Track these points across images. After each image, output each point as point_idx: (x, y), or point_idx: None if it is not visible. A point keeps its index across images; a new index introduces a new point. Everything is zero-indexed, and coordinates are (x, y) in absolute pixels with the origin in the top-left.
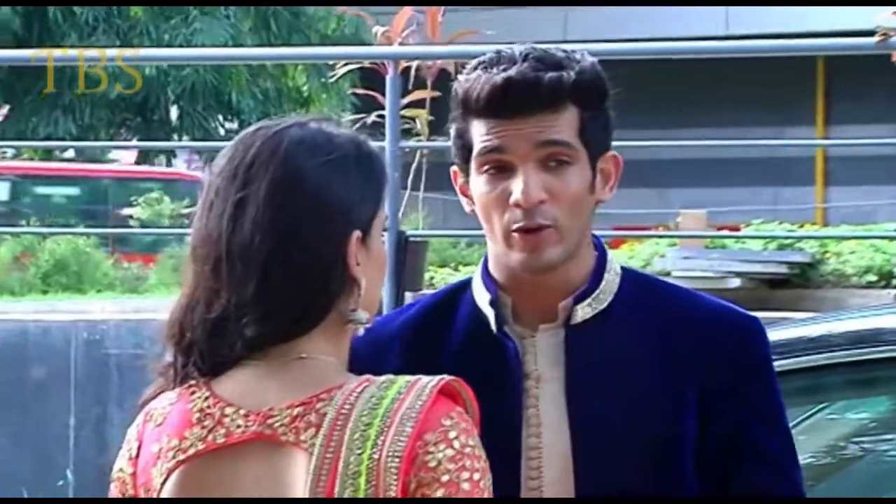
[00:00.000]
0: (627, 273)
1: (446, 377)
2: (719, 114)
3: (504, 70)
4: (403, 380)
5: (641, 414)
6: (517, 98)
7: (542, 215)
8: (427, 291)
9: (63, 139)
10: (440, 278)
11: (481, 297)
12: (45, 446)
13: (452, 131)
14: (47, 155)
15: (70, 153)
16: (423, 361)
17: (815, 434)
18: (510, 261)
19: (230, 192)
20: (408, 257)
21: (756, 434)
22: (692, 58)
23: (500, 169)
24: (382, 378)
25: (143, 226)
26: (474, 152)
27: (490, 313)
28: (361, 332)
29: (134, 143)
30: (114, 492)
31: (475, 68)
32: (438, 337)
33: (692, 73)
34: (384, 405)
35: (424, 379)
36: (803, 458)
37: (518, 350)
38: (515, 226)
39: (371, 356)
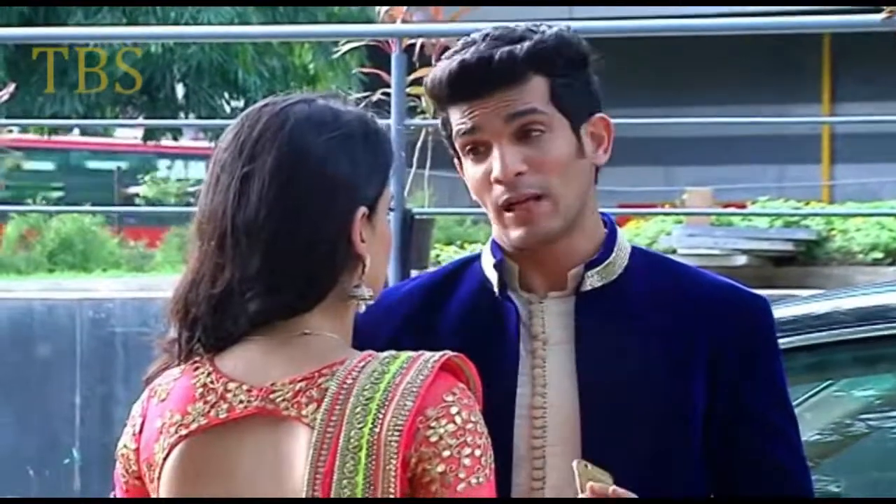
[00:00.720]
0: (636, 250)
1: (449, 353)
2: (725, 91)
3: (462, 54)
4: (406, 355)
5: (649, 380)
6: (472, 79)
7: (526, 185)
8: (432, 269)
9: (69, 118)
10: (446, 256)
11: (487, 262)
12: (50, 425)
13: (440, 121)
14: (53, 133)
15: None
16: (423, 327)
17: (821, 411)
18: (509, 238)
19: (236, 166)
20: (413, 235)
21: (761, 406)
22: (698, 35)
23: (480, 149)
24: (385, 353)
25: (149, 204)
26: (454, 137)
27: (493, 276)
28: (363, 308)
29: (140, 120)
30: (118, 468)
31: (444, 57)
32: (440, 305)
33: (698, 51)
34: (386, 380)
35: (427, 354)
36: (810, 436)
37: (519, 312)
38: (502, 200)
39: (370, 324)
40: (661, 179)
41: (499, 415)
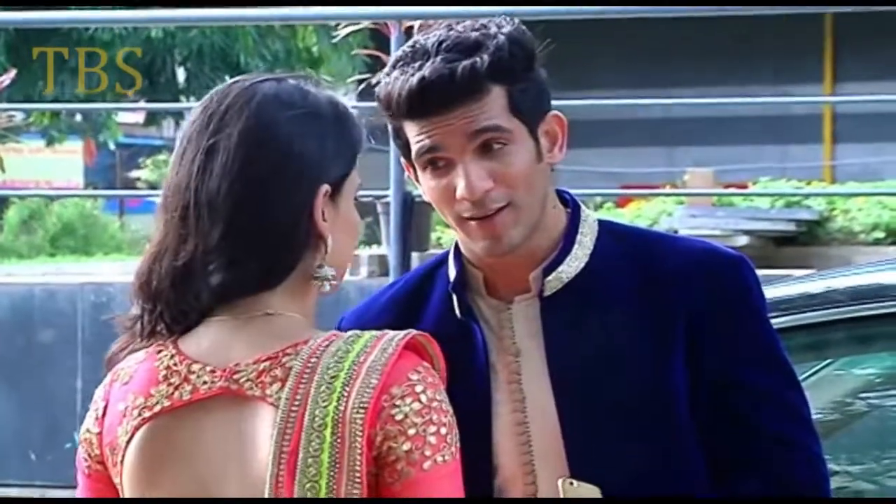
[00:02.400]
0: (604, 225)
1: (413, 332)
2: (726, 71)
3: (419, 68)
4: (370, 334)
5: (626, 374)
6: (434, 97)
7: (492, 200)
8: (434, 251)
9: (70, 102)
10: (447, 238)
11: (451, 276)
12: (52, 409)
13: (390, 129)
14: (54, 118)
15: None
16: None
17: (820, 390)
18: (474, 248)
19: (202, 139)
20: (414, 218)
21: (744, 369)
22: (698, 15)
23: (440, 164)
24: (349, 333)
25: (151, 188)
26: (412, 153)
27: (454, 298)
28: (328, 288)
29: (141, 104)
30: (81, 453)
31: (393, 67)
32: (414, 318)
33: (700, 31)
34: (350, 358)
35: (391, 333)
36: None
37: (481, 330)
38: (467, 214)
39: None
40: (662, 160)
41: (479, 436)
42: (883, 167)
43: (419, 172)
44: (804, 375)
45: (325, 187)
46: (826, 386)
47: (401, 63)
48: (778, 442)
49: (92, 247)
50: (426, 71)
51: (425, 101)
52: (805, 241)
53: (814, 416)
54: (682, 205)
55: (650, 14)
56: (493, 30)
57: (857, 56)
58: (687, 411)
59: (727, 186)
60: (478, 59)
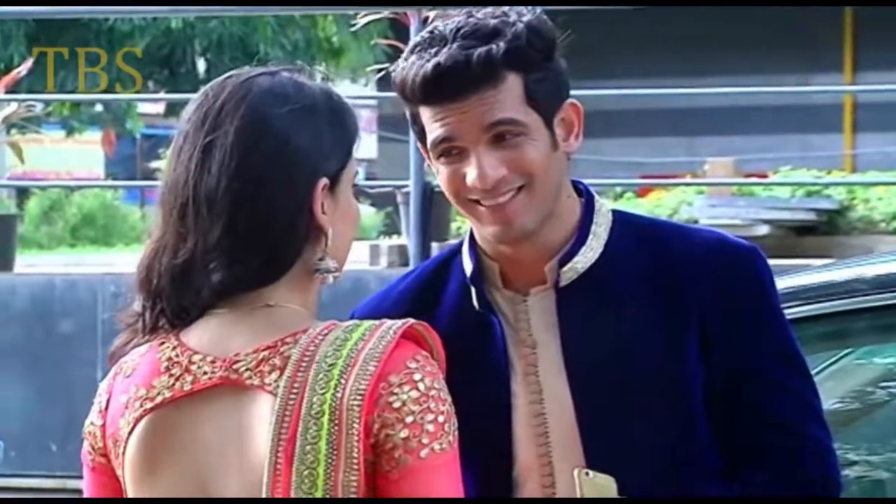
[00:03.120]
0: (618, 216)
1: (411, 320)
2: (747, 61)
3: (435, 54)
4: (368, 323)
5: (641, 365)
6: (449, 83)
7: (507, 184)
8: (453, 241)
9: (91, 92)
10: (467, 228)
11: (467, 268)
12: (72, 400)
13: (408, 115)
14: (74, 109)
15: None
16: None
17: (840, 380)
18: (486, 234)
19: (198, 137)
20: (434, 208)
21: (756, 360)
22: (720, 4)
23: (454, 152)
24: (348, 322)
25: None
26: (427, 141)
27: (473, 290)
28: (331, 280)
29: (161, 95)
30: (85, 447)
31: (411, 52)
32: (430, 310)
33: (720, 20)
34: (348, 346)
35: (389, 322)
36: (830, 404)
37: (500, 322)
38: (478, 198)
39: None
40: (682, 150)
41: (498, 428)
42: None
43: (433, 162)
44: (825, 364)
45: (324, 180)
46: (847, 375)
47: (418, 48)
48: (788, 432)
49: (112, 237)
50: (442, 57)
51: (440, 87)
52: (825, 230)
53: (834, 406)
54: (703, 194)
55: (670, 5)
56: (513, 17)
57: (877, 45)
58: (702, 401)
59: (748, 176)
60: (494, 45)
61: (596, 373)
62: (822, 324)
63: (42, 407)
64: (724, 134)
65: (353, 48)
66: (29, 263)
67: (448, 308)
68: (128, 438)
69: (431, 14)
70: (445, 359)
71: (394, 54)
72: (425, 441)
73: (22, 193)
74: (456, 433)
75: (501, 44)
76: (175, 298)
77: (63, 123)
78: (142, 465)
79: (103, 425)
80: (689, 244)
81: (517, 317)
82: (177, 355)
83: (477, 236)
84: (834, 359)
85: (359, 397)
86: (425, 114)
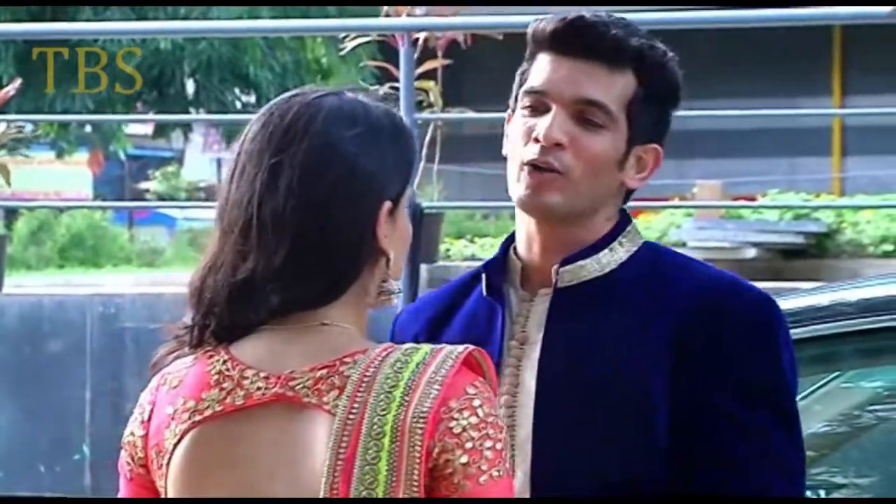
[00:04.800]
0: (648, 245)
1: (470, 347)
2: (735, 84)
3: (582, 15)
4: (429, 347)
5: (609, 383)
6: (579, 36)
7: (556, 157)
8: (442, 263)
9: (79, 113)
10: (456, 250)
11: (489, 258)
12: (61, 421)
13: (517, 75)
14: (63, 130)
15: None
16: (436, 333)
17: (827, 403)
18: (515, 194)
19: (264, 157)
20: (423, 229)
21: (729, 402)
22: (708, 28)
23: (538, 110)
24: (406, 345)
25: (159, 199)
26: (523, 88)
27: (483, 276)
28: (395, 301)
29: (150, 116)
30: (122, 457)
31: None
32: (459, 304)
33: (708, 44)
34: (410, 368)
35: (449, 347)
36: (818, 427)
37: (504, 313)
38: (528, 158)
39: (406, 324)
40: (671, 172)
41: None
42: (892, 180)
43: (515, 114)
44: (812, 388)
45: (388, 204)
46: (834, 399)
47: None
48: (735, 468)
49: (101, 258)
50: (588, 17)
51: (569, 35)
52: (814, 253)
53: (822, 429)
54: (691, 217)
55: (657, 27)
56: (662, 45)
57: (865, 69)
58: (665, 434)
59: (736, 199)
60: (635, 38)
61: (563, 379)
62: (809, 347)
63: (30, 427)
64: (713, 157)
65: (342, 70)
66: (17, 284)
67: (472, 302)
68: (173, 450)
69: (421, 35)
70: (455, 341)
71: (382, 76)
72: (484, 467)
73: (10, 214)
74: (509, 459)
75: (641, 41)
76: (229, 315)
77: (52, 144)
78: (188, 478)
79: (145, 436)
80: (699, 280)
81: (521, 313)
82: (227, 369)
83: (516, 231)
84: (821, 382)
85: (422, 420)
86: (540, 62)
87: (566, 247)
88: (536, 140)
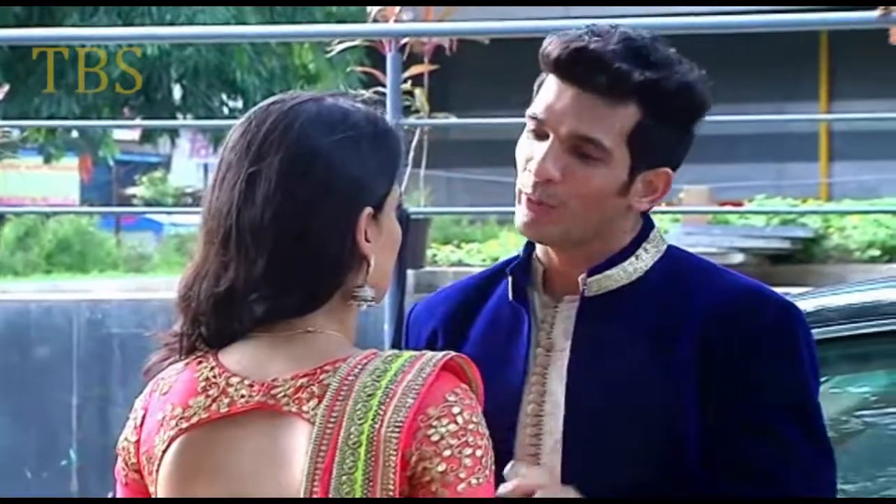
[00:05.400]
0: (672, 250)
1: (451, 353)
2: (722, 89)
3: (592, 40)
4: (409, 354)
5: (639, 394)
6: (581, 64)
7: (548, 194)
8: (429, 269)
9: (66, 119)
10: (443, 256)
11: (512, 263)
12: (47, 426)
13: (535, 87)
14: (50, 135)
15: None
16: (456, 331)
17: None
18: (516, 221)
19: (242, 166)
20: (409, 235)
21: (754, 407)
22: (694, 33)
23: (540, 135)
24: (388, 352)
25: (146, 205)
26: (528, 109)
27: (509, 280)
28: (365, 307)
29: (137, 122)
30: (119, 463)
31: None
32: (475, 308)
33: (693, 49)
34: (388, 377)
35: (429, 354)
36: None
37: (537, 315)
38: (523, 188)
39: (422, 320)
40: None
41: (503, 422)
42: (878, 185)
43: (524, 131)
44: None
45: (368, 210)
46: (821, 404)
47: (586, 30)
48: (763, 473)
49: (88, 264)
50: (595, 44)
51: (570, 62)
52: (801, 258)
53: None
54: (678, 222)
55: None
56: (684, 66)
57: (852, 74)
58: (695, 443)
59: (723, 204)
60: (639, 72)
61: (593, 387)
62: None
63: (17, 433)
64: (700, 162)
65: (330, 75)
66: (4, 290)
67: (494, 301)
68: (162, 457)
69: (408, 41)
70: (480, 349)
71: (370, 82)
72: (462, 475)
73: None
74: (493, 467)
75: (648, 73)
76: (215, 324)
77: (39, 149)
78: (175, 485)
79: (137, 441)
80: (725, 289)
81: (545, 319)
82: (214, 376)
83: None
84: None
85: (397, 429)
86: (548, 83)
87: (587, 257)
88: (529, 171)
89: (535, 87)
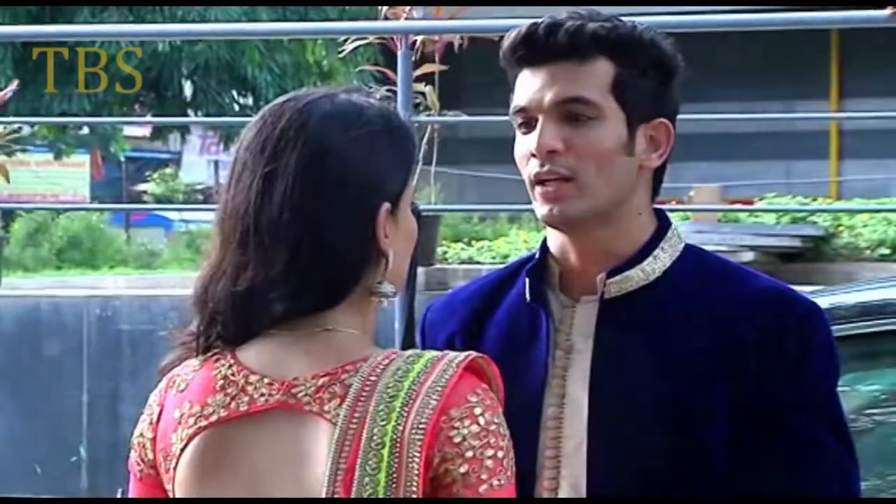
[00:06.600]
0: (690, 249)
1: (473, 353)
2: (732, 88)
3: (542, 24)
4: (430, 354)
5: (663, 396)
6: (537, 45)
7: (557, 164)
8: (439, 266)
9: (77, 115)
10: (453, 253)
11: (530, 263)
12: (58, 423)
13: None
14: (61, 131)
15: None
16: (474, 332)
17: None
18: (538, 214)
19: (258, 165)
20: (420, 232)
21: (785, 409)
22: (705, 31)
23: (530, 125)
24: (409, 352)
25: (157, 202)
26: (511, 112)
27: (527, 281)
28: (386, 304)
29: (148, 118)
30: (133, 457)
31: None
32: (492, 309)
33: (705, 47)
34: (410, 378)
35: (451, 354)
36: None
37: (554, 316)
38: (533, 174)
39: (439, 321)
40: (668, 176)
41: (525, 423)
42: (888, 184)
43: (517, 137)
44: None
45: (386, 205)
46: None
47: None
48: (799, 489)
49: (98, 260)
50: (547, 21)
51: (528, 47)
52: (810, 257)
53: None
54: (688, 221)
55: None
56: (633, 23)
57: (862, 73)
58: (723, 446)
59: (733, 202)
60: (591, 24)
61: (617, 389)
62: None
63: (27, 429)
64: (710, 160)
65: (342, 72)
66: (14, 286)
67: (510, 303)
68: (180, 455)
69: (419, 38)
70: (499, 352)
71: (382, 79)
72: (484, 476)
73: (8, 216)
74: (514, 468)
75: (602, 24)
76: (233, 323)
77: (50, 146)
78: (193, 483)
79: (154, 438)
80: (747, 290)
81: (563, 320)
82: (233, 374)
83: (548, 238)
84: None
85: (420, 431)
86: (518, 81)
87: (605, 252)
88: (533, 155)
89: (510, 94)
